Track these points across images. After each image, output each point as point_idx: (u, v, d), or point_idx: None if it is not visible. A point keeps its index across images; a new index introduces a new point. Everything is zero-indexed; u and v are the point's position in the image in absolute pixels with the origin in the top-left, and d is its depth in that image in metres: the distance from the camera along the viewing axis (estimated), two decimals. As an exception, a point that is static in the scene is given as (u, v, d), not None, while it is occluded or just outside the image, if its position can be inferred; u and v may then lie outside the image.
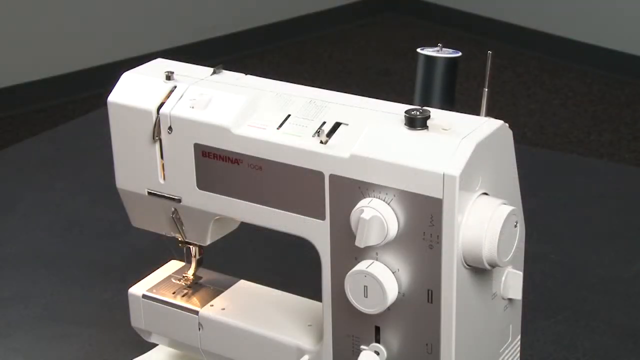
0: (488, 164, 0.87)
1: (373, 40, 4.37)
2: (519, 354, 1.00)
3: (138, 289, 1.09)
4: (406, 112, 0.88)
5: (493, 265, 0.86)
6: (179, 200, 1.00)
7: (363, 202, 0.87)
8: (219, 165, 0.96)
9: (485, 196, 0.87)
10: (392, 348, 0.91)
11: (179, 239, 1.06)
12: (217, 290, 1.08)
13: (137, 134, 1.00)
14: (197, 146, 0.96)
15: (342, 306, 0.92)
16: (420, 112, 0.88)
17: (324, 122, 0.91)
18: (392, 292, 0.88)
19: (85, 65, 3.75)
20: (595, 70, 3.91)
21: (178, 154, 0.98)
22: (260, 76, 1.01)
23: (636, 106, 3.64)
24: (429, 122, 0.88)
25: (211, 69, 1.01)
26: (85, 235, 1.46)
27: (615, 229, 1.44)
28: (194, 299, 1.07)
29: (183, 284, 1.09)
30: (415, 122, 0.87)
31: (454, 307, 0.86)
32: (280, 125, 0.93)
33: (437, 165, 0.84)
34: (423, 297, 0.87)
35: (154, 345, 1.14)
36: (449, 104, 0.97)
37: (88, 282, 1.33)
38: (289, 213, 0.93)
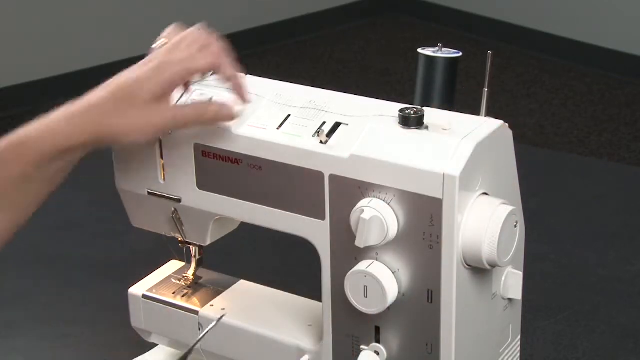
0: (488, 164, 0.87)
1: (373, 40, 4.37)
2: (519, 354, 1.00)
3: (138, 289, 1.09)
4: (400, 110, 0.88)
5: (493, 265, 0.86)
6: (179, 200, 1.00)
7: (363, 202, 0.87)
8: (219, 165, 0.96)
9: (485, 196, 0.87)
10: (392, 348, 0.91)
11: (179, 239, 1.06)
12: (217, 290, 1.08)
13: (137, 134, 1.00)
14: (197, 146, 0.96)
15: (342, 306, 0.92)
16: (414, 112, 0.88)
17: (324, 122, 0.91)
18: (392, 292, 0.88)
19: (85, 65, 3.75)
20: (595, 70, 3.91)
21: (178, 154, 0.98)
22: (260, 76, 1.01)
23: (636, 106, 3.64)
24: (429, 122, 0.88)
25: (211, 69, 1.01)
26: (86, 236, 1.46)
27: (615, 229, 1.44)
28: (194, 299, 1.07)
29: (183, 284, 1.09)
30: (409, 121, 0.87)
31: (454, 307, 0.86)
32: (280, 125, 0.93)
33: (437, 165, 0.83)
34: (423, 297, 0.87)
35: (154, 345, 1.14)
36: (449, 104, 0.97)
37: (88, 282, 1.33)
38: (289, 213, 0.93)
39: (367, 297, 0.88)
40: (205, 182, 0.98)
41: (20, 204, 0.89)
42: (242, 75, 0.92)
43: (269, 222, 0.95)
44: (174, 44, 0.90)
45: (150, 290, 1.09)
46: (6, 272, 1.36)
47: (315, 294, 0.99)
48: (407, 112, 0.88)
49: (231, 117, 0.92)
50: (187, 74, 0.89)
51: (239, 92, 0.92)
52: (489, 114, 0.92)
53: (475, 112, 0.92)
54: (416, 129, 0.87)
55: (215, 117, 0.91)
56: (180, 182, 0.99)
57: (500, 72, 3.90)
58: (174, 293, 1.08)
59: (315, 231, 0.92)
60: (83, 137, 0.86)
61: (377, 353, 0.92)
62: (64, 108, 0.87)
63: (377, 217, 0.85)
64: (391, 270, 0.88)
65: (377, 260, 0.89)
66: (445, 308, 0.86)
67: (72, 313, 1.26)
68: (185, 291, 1.08)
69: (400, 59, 4.12)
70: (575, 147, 3.34)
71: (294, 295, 1.06)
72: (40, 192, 0.90)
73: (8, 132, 0.88)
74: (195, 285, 1.09)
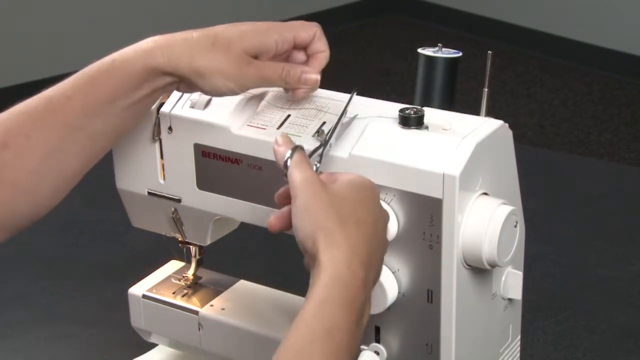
0: (488, 164, 0.87)
1: (373, 40, 4.37)
2: (519, 354, 1.00)
3: (138, 289, 1.09)
4: (400, 111, 0.88)
5: (493, 265, 0.86)
6: (179, 200, 1.00)
7: (363, 202, 0.87)
8: (219, 165, 0.96)
9: (485, 196, 0.87)
10: (392, 348, 0.91)
11: (179, 239, 1.06)
12: (217, 290, 1.08)
13: (137, 134, 1.00)
14: (197, 146, 0.96)
15: (342, 306, 0.92)
16: (414, 112, 0.88)
17: (324, 122, 0.91)
18: (392, 292, 0.88)
19: (85, 65, 3.75)
20: (595, 70, 3.91)
21: (178, 154, 0.98)
22: (260, 76, 1.00)
23: (636, 106, 3.64)
24: (429, 122, 0.88)
25: (211, 69, 1.01)
26: (86, 236, 1.46)
27: (615, 229, 1.44)
28: (194, 299, 1.07)
29: (183, 284, 1.09)
30: (409, 121, 0.87)
31: (454, 307, 0.86)
32: (280, 125, 0.93)
33: (437, 165, 0.83)
34: (423, 297, 0.87)
35: (154, 345, 1.14)
36: (449, 104, 0.97)
37: (88, 282, 1.33)
38: (289, 213, 0.93)
39: (367, 297, 0.88)
40: (205, 182, 0.98)
41: (104, 131, 0.91)
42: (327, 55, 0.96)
43: (269, 222, 0.95)
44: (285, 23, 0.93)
45: (150, 290, 1.09)
46: (6, 272, 1.36)
47: (315, 294, 0.98)
48: (407, 112, 0.88)
49: (315, 82, 0.93)
50: (286, 41, 0.91)
51: (318, 66, 0.94)
52: (489, 114, 0.92)
53: (475, 112, 0.92)
54: (416, 129, 0.87)
55: (299, 81, 0.92)
56: (180, 182, 0.99)
57: (500, 72, 3.90)
58: (174, 293, 1.08)
59: (315, 231, 0.91)
60: (171, 65, 0.88)
61: (377, 353, 0.92)
62: (159, 36, 0.89)
63: (377, 217, 0.85)
64: (391, 270, 0.88)
65: (377, 260, 0.88)
66: (445, 308, 0.86)
67: (72, 313, 1.26)
68: (185, 291, 1.08)
69: (400, 59, 4.12)
70: (575, 147, 3.34)
71: (294, 295, 1.06)
72: (123, 122, 0.91)
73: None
74: (195, 285, 1.09)
